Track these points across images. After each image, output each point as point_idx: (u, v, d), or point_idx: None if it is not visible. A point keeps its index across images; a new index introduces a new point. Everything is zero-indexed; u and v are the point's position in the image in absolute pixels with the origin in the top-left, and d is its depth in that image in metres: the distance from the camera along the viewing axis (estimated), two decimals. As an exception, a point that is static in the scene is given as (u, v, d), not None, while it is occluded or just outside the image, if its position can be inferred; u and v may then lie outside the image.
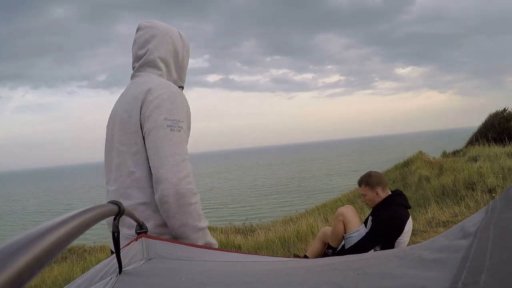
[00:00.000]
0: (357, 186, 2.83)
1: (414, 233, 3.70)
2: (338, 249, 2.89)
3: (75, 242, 6.47)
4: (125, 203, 1.15)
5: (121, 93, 1.42)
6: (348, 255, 0.79)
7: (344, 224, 2.81)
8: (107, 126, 1.41)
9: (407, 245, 2.48)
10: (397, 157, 11.26)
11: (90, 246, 7.57)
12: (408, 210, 2.63)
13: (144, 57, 1.37)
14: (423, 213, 5.08)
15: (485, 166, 6.33)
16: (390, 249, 0.88)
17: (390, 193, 2.64)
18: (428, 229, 4.38)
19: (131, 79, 1.42)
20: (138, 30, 1.41)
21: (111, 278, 0.83)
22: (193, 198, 1.20)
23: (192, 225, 1.20)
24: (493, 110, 11.85)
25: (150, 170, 1.25)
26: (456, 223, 0.61)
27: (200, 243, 1.22)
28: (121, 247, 0.83)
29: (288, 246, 4.55)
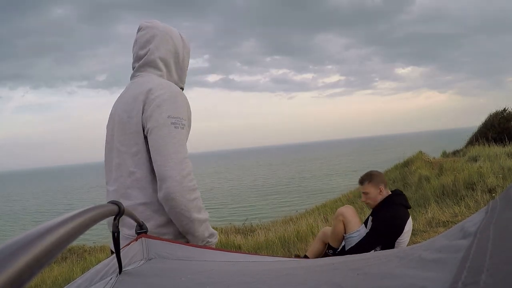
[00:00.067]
0: (357, 186, 2.82)
1: (414, 233, 3.70)
2: (338, 250, 2.88)
3: (75, 242, 6.47)
4: (125, 203, 1.15)
5: (121, 93, 1.42)
6: (348, 255, 0.79)
7: (344, 224, 2.80)
8: (107, 127, 1.41)
9: (407, 245, 2.48)
10: (397, 157, 11.26)
11: (90, 246, 7.57)
12: (408, 210, 2.63)
13: (145, 57, 1.37)
14: (423, 213, 5.08)
15: (485, 166, 6.33)
16: (390, 249, 0.88)
17: (390, 192, 2.64)
18: (428, 229, 4.38)
19: (131, 79, 1.42)
20: (139, 30, 1.41)
21: (111, 278, 0.83)
22: (195, 193, 1.23)
23: (198, 219, 1.23)
24: (493, 110, 11.88)
25: (151, 170, 1.25)
26: (456, 223, 0.61)
27: (206, 234, 1.27)
28: (121, 247, 0.83)
29: (288, 246, 4.55)
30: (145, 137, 1.26)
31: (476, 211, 0.65)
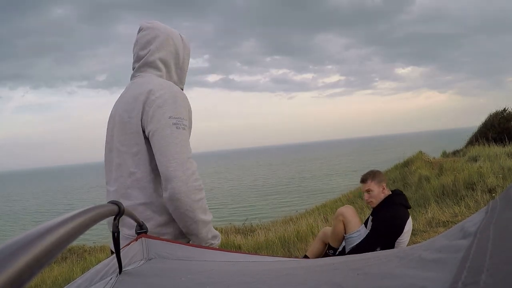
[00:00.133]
0: (357, 186, 2.82)
1: (414, 233, 3.70)
2: (339, 250, 2.88)
3: (75, 242, 6.47)
4: (125, 203, 1.15)
5: (121, 93, 1.42)
6: (348, 255, 0.79)
7: (344, 224, 2.80)
8: (107, 127, 1.42)
9: (407, 245, 2.48)
10: (397, 157, 11.26)
11: (90, 246, 7.57)
12: (408, 210, 2.63)
13: (145, 57, 1.37)
14: (423, 213, 5.08)
15: (485, 166, 6.33)
16: (390, 249, 0.88)
17: (390, 192, 2.64)
18: (428, 229, 4.38)
19: (131, 79, 1.42)
20: (140, 31, 1.42)
21: (111, 278, 0.83)
22: (201, 193, 1.23)
23: (202, 220, 1.23)
24: (493, 110, 11.88)
25: (151, 170, 1.26)
26: (456, 223, 0.61)
27: (209, 236, 1.27)
28: (121, 247, 0.83)
29: (288, 246, 4.55)
30: (146, 138, 1.26)
31: (476, 211, 0.65)
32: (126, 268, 0.87)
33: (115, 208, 0.59)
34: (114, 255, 0.84)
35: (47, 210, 24.67)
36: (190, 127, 1.32)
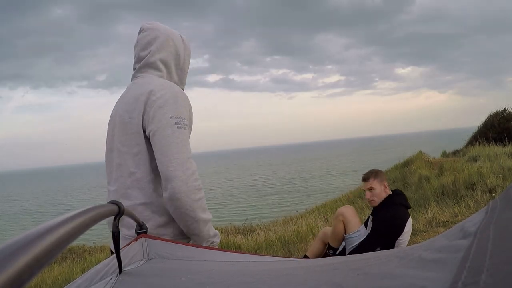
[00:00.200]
0: (357, 186, 2.82)
1: (414, 233, 3.70)
2: (339, 251, 2.88)
3: (75, 242, 6.47)
4: (125, 203, 1.16)
5: (122, 93, 1.42)
6: (348, 255, 0.79)
7: (344, 224, 2.80)
8: (108, 127, 1.42)
9: (407, 245, 2.48)
10: (397, 157, 11.26)
11: (90, 246, 7.57)
12: (408, 210, 2.63)
13: (145, 58, 1.38)
14: (423, 213, 5.08)
15: (485, 166, 6.33)
16: (390, 249, 0.88)
17: (391, 192, 2.64)
18: (428, 229, 4.38)
19: (131, 79, 1.43)
20: (140, 31, 1.42)
21: (111, 278, 0.83)
22: (200, 193, 1.23)
23: (203, 219, 1.24)
24: (493, 110, 11.88)
25: (151, 170, 1.26)
26: (456, 223, 0.61)
27: (211, 233, 1.28)
28: (121, 247, 0.83)
29: (288, 246, 4.55)
30: (146, 138, 1.26)
31: (476, 211, 0.65)
32: (126, 268, 0.87)
33: (115, 208, 0.59)
34: (114, 255, 0.84)
35: (47, 210, 24.67)
36: (190, 127, 1.33)
